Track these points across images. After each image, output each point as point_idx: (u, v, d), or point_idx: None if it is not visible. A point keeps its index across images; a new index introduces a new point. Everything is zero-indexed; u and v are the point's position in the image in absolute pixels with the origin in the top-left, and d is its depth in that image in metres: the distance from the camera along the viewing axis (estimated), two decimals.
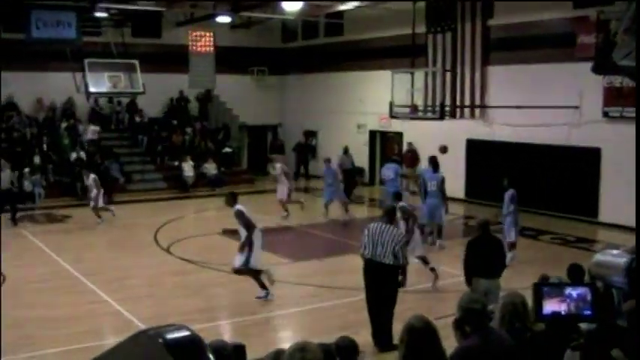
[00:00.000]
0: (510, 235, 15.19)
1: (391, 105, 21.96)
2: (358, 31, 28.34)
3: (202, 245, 17.61)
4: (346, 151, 25.94)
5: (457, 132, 23.78)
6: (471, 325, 5.06)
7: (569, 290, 5.64)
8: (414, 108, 22.18)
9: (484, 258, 10.28)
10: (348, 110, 29.05)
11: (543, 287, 5.71)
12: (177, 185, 26.85)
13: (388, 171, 20.15)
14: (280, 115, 33.51)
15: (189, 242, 17.67)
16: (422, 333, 4.58)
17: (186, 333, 3.36)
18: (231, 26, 29.93)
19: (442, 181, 17.34)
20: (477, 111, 23.89)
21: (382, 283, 10.05)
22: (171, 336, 3.24)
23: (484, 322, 5.15)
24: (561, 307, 5.56)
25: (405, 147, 26.28)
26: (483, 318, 5.14)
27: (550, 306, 5.56)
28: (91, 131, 28.15)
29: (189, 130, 30.33)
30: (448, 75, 23.73)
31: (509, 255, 13.67)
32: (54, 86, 27.97)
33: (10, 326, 11.59)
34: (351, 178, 24.24)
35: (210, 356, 3.17)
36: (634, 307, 5.59)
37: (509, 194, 15.33)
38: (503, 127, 22.61)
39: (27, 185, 24.28)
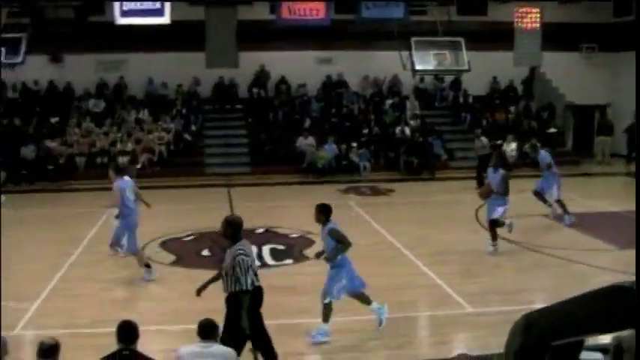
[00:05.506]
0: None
1: None
2: None
3: (523, 226, 17.16)
4: None
5: None
6: None
7: None
8: None
9: None
10: None
11: None
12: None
13: None
14: (610, 94, 31.67)
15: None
16: None
17: None
18: (560, 1, 28.81)
19: None
20: None
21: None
22: None
23: None
24: None
25: None
26: None
27: None
28: (414, 108, 28.78)
29: (512, 108, 29.81)
30: None
31: None
32: (380, 64, 28.95)
33: None
34: None
35: None
36: None
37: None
38: None
39: (353, 158, 25.44)
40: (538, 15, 27.09)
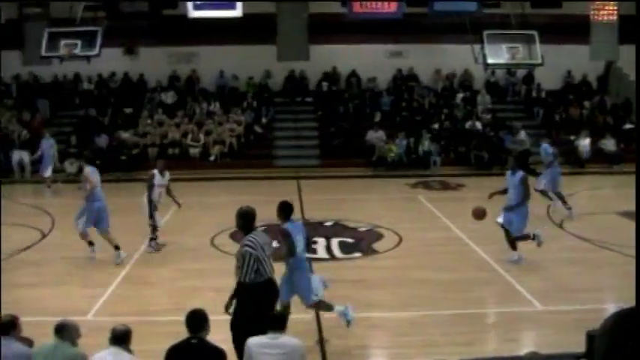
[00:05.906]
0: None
1: None
2: None
3: (597, 224, 16.83)
4: None
5: None
6: None
7: None
8: None
9: None
10: None
11: None
12: (571, 160, 25.91)
13: None
14: None
15: (582, 219, 17.01)
16: None
17: None
18: None
19: None
20: None
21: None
22: None
23: None
24: None
25: None
26: None
27: None
28: (486, 102, 28.48)
29: (587, 103, 29.20)
30: None
31: None
32: (452, 57, 28.74)
33: (401, 285, 12.13)
34: None
35: None
36: None
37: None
38: None
39: (425, 147, 25.35)
40: (615, 8, 26.44)
